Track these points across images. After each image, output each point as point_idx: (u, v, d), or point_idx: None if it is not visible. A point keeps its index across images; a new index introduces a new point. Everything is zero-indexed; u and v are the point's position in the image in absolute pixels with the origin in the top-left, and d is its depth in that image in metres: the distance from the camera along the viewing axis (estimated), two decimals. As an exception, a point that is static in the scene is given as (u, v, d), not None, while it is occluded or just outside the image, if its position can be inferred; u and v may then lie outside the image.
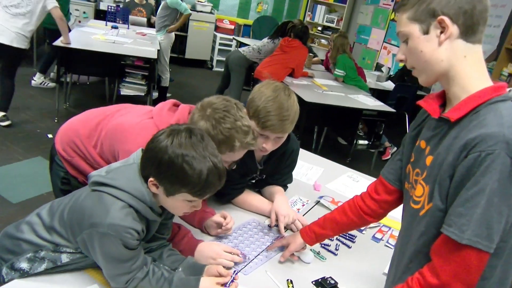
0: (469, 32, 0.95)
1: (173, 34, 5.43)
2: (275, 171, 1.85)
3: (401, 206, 1.26)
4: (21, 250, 1.19)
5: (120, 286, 1.16)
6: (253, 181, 1.87)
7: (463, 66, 0.97)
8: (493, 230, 0.87)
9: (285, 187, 1.93)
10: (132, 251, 1.13)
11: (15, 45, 3.91)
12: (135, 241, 1.12)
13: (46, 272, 1.20)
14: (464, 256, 0.89)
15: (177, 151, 1.08)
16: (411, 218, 1.07)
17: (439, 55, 0.98)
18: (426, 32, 0.98)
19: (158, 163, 1.10)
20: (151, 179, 1.13)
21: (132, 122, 1.51)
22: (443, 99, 1.06)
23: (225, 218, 1.56)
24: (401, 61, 1.07)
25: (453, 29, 0.95)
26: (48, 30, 4.99)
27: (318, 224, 1.47)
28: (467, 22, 0.94)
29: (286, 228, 1.69)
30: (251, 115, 1.53)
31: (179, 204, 1.17)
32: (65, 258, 1.19)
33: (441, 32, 0.96)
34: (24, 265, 1.18)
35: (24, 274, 1.18)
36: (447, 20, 0.94)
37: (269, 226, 1.71)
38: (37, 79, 5.36)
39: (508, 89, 0.96)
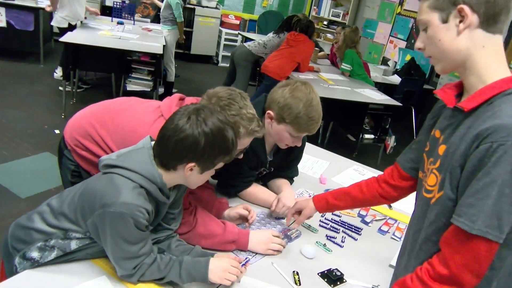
0: (489, 21, 0.93)
1: (176, 30, 5.45)
2: (283, 163, 1.87)
3: (410, 196, 1.28)
4: (32, 240, 1.21)
5: (127, 272, 1.18)
6: (261, 175, 1.88)
7: (481, 56, 0.95)
8: (503, 220, 0.87)
9: (291, 180, 1.94)
10: (142, 232, 1.15)
11: None
12: (145, 222, 1.15)
13: (56, 262, 1.22)
14: (473, 247, 0.89)
15: (211, 128, 1.15)
16: (424, 207, 1.07)
17: (457, 45, 0.96)
18: (445, 20, 0.96)
19: (198, 147, 1.14)
20: (190, 164, 1.16)
21: (146, 125, 1.50)
22: (461, 89, 1.05)
23: (249, 212, 1.60)
24: (419, 49, 1.06)
25: (473, 18, 0.93)
26: (59, 28, 5.04)
27: (332, 194, 1.51)
28: (489, 11, 0.92)
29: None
30: (287, 121, 1.57)
31: (205, 176, 1.25)
32: (74, 245, 1.21)
33: (460, 21, 0.94)
34: (35, 254, 1.20)
35: (35, 263, 1.21)
36: (467, 9, 0.92)
37: (272, 215, 1.73)
38: (59, 71, 5.40)
39: None
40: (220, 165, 1.24)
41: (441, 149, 1.02)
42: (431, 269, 0.96)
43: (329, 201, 1.50)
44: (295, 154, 1.87)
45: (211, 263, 1.25)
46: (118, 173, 1.14)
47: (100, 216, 1.12)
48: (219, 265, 1.26)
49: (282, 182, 1.87)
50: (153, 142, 1.23)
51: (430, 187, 1.04)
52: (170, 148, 1.16)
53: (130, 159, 1.17)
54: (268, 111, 1.61)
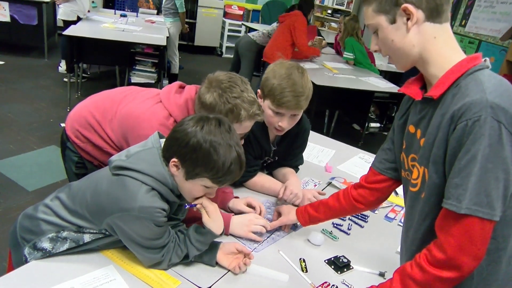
0: (434, 13, 0.97)
1: (179, 22, 5.43)
2: (288, 151, 1.86)
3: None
4: (41, 230, 1.22)
5: (155, 261, 1.21)
6: (265, 164, 1.88)
7: (435, 46, 0.99)
8: (492, 197, 0.86)
9: (296, 169, 1.94)
10: (162, 227, 1.18)
11: None
12: (165, 219, 1.17)
13: (66, 252, 1.23)
14: (465, 227, 0.88)
15: (206, 137, 1.11)
16: (412, 202, 1.08)
17: (409, 41, 0.99)
18: (393, 21, 1.00)
19: (185, 145, 1.12)
20: (174, 159, 1.15)
21: (143, 108, 1.52)
22: (423, 82, 1.07)
23: (253, 207, 1.59)
24: (375, 51, 1.09)
25: (418, 14, 0.96)
26: (64, 21, 5.04)
27: (313, 207, 1.49)
28: (430, 5, 0.96)
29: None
30: (266, 94, 1.57)
31: (196, 188, 1.19)
32: (87, 238, 1.22)
33: (408, 19, 0.98)
34: (46, 244, 1.21)
35: (46, 254, 1.21)
36: (410, 7, 0.96)
37: (279, 203, 1.72)
38: (63, 65, 5.43)
39: (483, 59, 0.97)
40: (205, 181, 1.16)
41: (422, 142, 1.03)
42: (429, 254, 0.95)
43: (311, 214, 1.48)
44: (298, 143, 1.86)
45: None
46: (131, 176, 1.14)
47: (120, 218, 1.14)
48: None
49: (287, 171, 1.87)
50: (161, 140, 1.23)
51: (414, 180, 1.05)
52: (168, 137, 1.18)
53: (141, 161, 1.17)
54: (258, 90, 1.62)
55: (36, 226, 1.22)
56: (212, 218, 1.25)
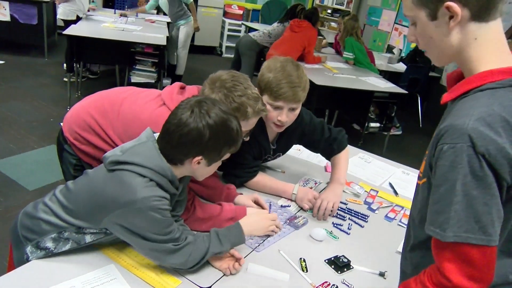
0: (481, 12, 0.86)
1: (192, 20, 5.45)
2: (311, 144, 1.87)
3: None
4: (42, 230, 1.21)
5: (179, 260, 1.19)
6: (266, 161, 1.88)
7: (473, 48, 0.89)
8: (484, 222, 0.81)
9: (341, 151, 1.90)
10: (169, 218, 1.17)
11: None
12: (169, 207, 1.16)
13: (64, 253, 1.23)
14: (461, 253, 0.84)
15: (216, 120, 1.15)
16: (417, 192, 1.06)
17: (449, 41, 0.91)
18: (434, 17, 0.90)
19: (202, 139, 1.14)
20: (196, 158, 1.17)
21: (148, 112, 1.51)
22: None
23: (258, 204, 1.61)
24: (411, 41, 1.02)
25: (464, 13, 0.86)
26: (64, 20, 5.05)
27: None
28: (480, 2, 0.85)
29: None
30: (263, 88, 1.58)
31: (215, 166, 1.26)
32: (88, 238, 1.22)
33: (450, 18, 0.87)
34: (49, 244, 1.21)
35: (49, 253, 1.22)
36: (455, 6, 0.85)
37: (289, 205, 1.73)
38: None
39: None
40: (226, 156, 1.24)
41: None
42: (434, 276, 0.90)
43: None
44: (305, 132, 1.82)
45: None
46: (128, 169, 1.12)
47: (121, 217, 1.12)
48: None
49: (334, 163, 1.87)
50: (155, 135, 1.22)
51: (420, 173, 1.02)
52: (174, 143, 1.15)
53: (138, 154, 1.15)
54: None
55: (37, 226, 1.22)
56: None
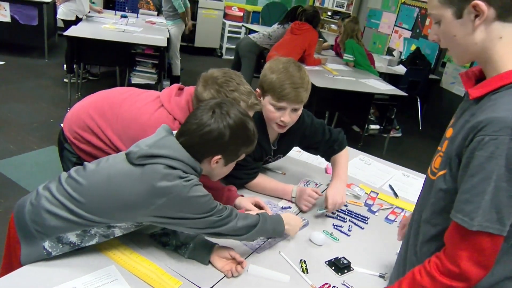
0: (507, 11, 0.88)
1: (182, 22, 5.43)
2: (289, 149, 1.87)
3: (416, 185, 1.26)
4: (63, 226, 1.17)
5: (233, 224, 1.25)
6: (267, 163, 1.88)
7: (498, 47, 0.92)
8: (503, 213, 0.85)
9: (341, 151, 1.90)
10: (209, 196, 1.20)
11: None
12: (205, 191, 1.19)
13: (65, 254, 1.22)
14: (477, 242, 0.88)
15: (236, 119, 1.20)
16: (428, 188, 1.06)
17: (473, 39, 0.93)
18: (459, 16, 0.92)
19: (223, 139, 1.18)
20: (215, 158, 1.21)
21: (147, 114, 1.53)
22: (481, 76, 1.02)
23: (259, 207, 1.62)
24: (433, 40, 1.03)
25: (490, 12, 0.88)
26: (64, 21, 5.05)
27: None
28: (507, 1, 0.87)
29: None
30: (265, 89, 1.59)
31: (228, 168, 1.31)
32: (118, 232, 1.23)
33: (476, 16, 0.90)
34: (73, 239, 1.20)
35: (75, 247, 1.21)
36: (482, 4, 0.87)
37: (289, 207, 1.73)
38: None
39: None
40: (242, 156, 1.29)
41: (449, 132, 1.01)
42: (440, 264, 0.94)
43: None
44: (305, 134, 1.82)
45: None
46: (161, 162, 1.13)
47: (167, 203, 1.12)
48: (290, 218, 1.49)
49: (334, 162, 1.87)
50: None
51: (435, 169, 1.03)
52: (195, 142, 1.19)
53: (166, 147, 1.16)
54: (256, 89, 1.63)
55: (53, 220, 1.17)
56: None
